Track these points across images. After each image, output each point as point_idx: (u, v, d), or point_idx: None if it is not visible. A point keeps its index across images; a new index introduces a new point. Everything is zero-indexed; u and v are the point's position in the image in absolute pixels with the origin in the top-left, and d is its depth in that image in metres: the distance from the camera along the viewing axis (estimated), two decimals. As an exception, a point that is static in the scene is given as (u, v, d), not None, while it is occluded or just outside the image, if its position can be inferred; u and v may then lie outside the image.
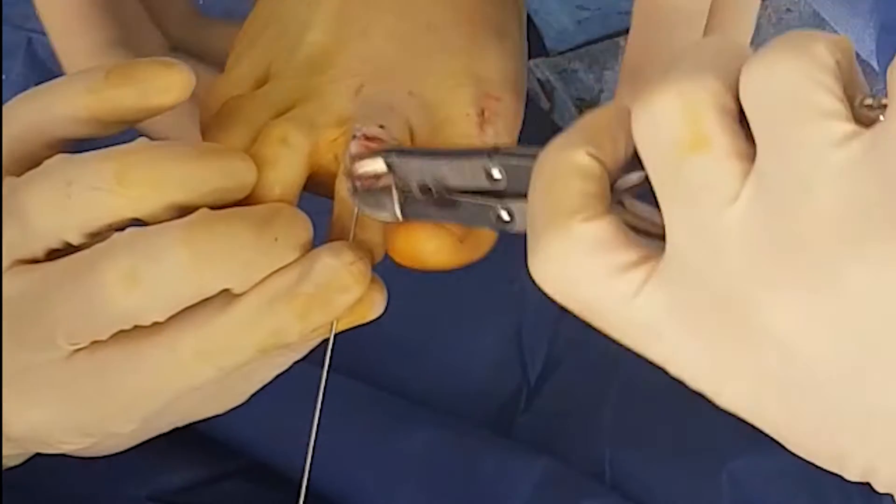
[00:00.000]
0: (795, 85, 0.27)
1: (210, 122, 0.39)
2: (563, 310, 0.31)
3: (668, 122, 0.28)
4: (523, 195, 0.35)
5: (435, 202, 0.37)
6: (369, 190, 0.37)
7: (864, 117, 0.28)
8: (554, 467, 0.53)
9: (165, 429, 0.38)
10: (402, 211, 0.37)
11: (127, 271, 0.32)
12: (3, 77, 0.59)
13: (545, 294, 0.31)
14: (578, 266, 0.29)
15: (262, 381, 0.37)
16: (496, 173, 0.35)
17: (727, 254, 0.27)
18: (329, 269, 0.33)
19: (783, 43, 0.27)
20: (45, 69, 0.59)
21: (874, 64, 0.51)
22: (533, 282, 0.31)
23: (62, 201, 0.33)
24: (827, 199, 0.26)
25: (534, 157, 0.34)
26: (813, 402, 0.28)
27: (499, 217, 0.36)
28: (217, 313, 0.33)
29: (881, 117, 0.27)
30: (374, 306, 0.35)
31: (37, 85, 0.36)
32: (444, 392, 0.57)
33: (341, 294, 0.33)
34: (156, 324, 0.33)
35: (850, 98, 0.28)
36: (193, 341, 0.33)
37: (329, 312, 0.34)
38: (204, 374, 0.33)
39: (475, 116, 0.40)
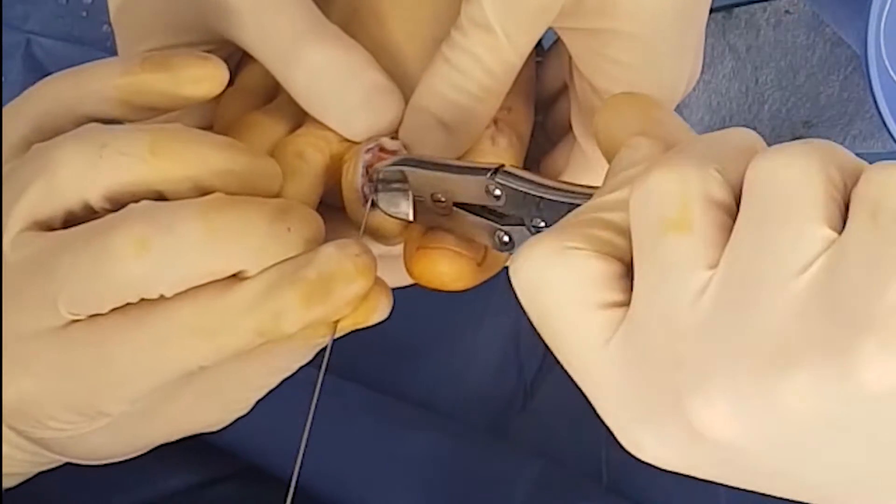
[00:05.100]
0: (799, 188, 0.27)
1: (226, 134, 0.40)
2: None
3: (660, 198, 0.29)
4: (521, 222, 0.35)
5: (443, 212, 0.37)
6: (387, 188, 0.38)
7: None
8: (551, 469, 0.53)
9: (159, 438, 0.37)
10: (414, 214, 0.38)
11: (139, 238, 0.32)
12: (3, 78, 0.59)
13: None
14: (560, 281, 0.30)
15: (264, 387, 0.37)
16: (497, 191, 0.36)
17: (679, 334, 0.28)
18: (333, 257, 0.33)
19: (799, 146, 0.28)
20: (43, 70, 0.59)
21: (872, 66, 0.51)
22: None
23: (93, 160, 0.33)
24: (776, 311, 0.26)
25: (532, 183, 0.35)
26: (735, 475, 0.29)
27: (500, 238, 0.37)
28: (220, 292, 0.33)
29: None
30: (379, 309, 0.35)
31: (35, 86, 0.37)
32: (441, 394, 0.57)
33: (344, 284, 0.34)
34: (160, 299, 0.33)
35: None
36: (192, 316, 0.33)
37: (331, 302, 0.34)
38: (199, 352, 0.33)
39: (487, 129, 0.40)
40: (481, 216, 0.37)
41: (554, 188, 0.35)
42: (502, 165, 0.36)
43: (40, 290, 0.33)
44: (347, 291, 0.34)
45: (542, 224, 0.35)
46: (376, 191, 0.38)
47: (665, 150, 0.32)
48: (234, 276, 0.33)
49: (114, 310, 0.33)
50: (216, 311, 0.33)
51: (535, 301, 0.30)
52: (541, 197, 0.35)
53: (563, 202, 0.34)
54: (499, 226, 0.36)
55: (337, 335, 0.35)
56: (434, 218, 0.38)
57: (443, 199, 0.37)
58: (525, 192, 0.35)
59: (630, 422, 0.29)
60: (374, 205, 0.38)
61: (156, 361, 0.33)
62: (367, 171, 0.38)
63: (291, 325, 0.33)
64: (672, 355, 0.28)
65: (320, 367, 0.36)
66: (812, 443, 0.26)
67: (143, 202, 0.33)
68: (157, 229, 0.32)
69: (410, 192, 0.37)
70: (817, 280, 0.26)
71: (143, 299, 0.33)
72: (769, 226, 0.27)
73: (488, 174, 0.36)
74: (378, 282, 0.35)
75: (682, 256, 0.28)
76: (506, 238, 0.36)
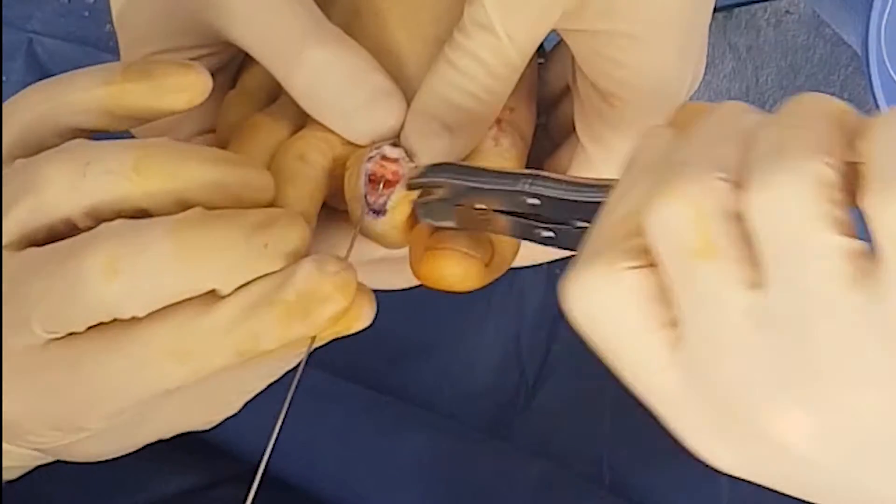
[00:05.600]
0: (800, 220, 0.27)
1: (228, 137, 0.39)
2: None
3: (678, 229, 0.28)
4: (564, 222, 0.35)
5: (484, 217, 0.37)
6: (426, 198, 0.37)
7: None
8: (552, 469, 0.53)
9: (149, 438, 0.37)
10: (457, 221, 0.37)
11: (109, 259, 0.31)
12: (4, 79, 0.59)
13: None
14: (611, 306, 0.29)
15: (251, 391, 0.37)
16: (532, 201, 0.35)
17: (731, 357, 0.28)
18: (311, 277, 0.33)
19: (783, 165, 0.27)
20: (46, 71, 0.59)
21: (873, 66, 0.51)
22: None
23: (77, 178, 0.33)
24: (830, 337, 0.27)
25: (566, 183, 0.34)
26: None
27: (540, 234, 0.36)
28: (196, 314, 0.32)
29: None
30: (361, 317, 0.35)
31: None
32: (443, 395, 0.57)
33: (323, 304, 0.33)
34: (135, 319, 0.32)
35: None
36: (168, 339, 0.32)
37: (310, 322, 0.33)
38: (176, 374, 0.33)
39: (490, 129, 0.40)
40: (524, 217, 0.36)
41: (587, 186, 0.34)
42: (536, 172, 0.36)
43: (16, 309, 0.33)
44: (326, 311, 0.33)
45: (585, 225, 0.34)
46: (368, 207, 0.38)
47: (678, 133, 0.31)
48: (212, 292, 0.33)
49: (91, 327, 0.33)
50: (193, 334, 0.32)
51: (593, 331, 0.30)
52: (576, 201, 0.34)
53: (598, 202, 0.34)
54: (542, 225, 0.36)
55: (319, 344, 0.35)
56: (475, 223, 0.37)
57: (483, 207, 0.37)
58: (559, 199, 0.35)
59: (705, 438, 0.29)
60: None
61: (132, 383, 0.33)
62: (370, 180, 0.38)
63: (270, 345, 0.33)
64: (736, 374, 0.28)
65: (322, 368, 0.35)
66: (890, 459, 0.27)
67: (117, 221, 0.32)
68: (127, 250, 0.32)
69: (450, 200, 0.37)
70: (864, 309, 0.26)
71: (116, 319, 0.32)
72: (790, 267, 0.27)
73: (521, 182, 0.35)
74: (360, 290, 0.34)
75: (717, 283, 0.28)
76: (549, 234, 0.36)
